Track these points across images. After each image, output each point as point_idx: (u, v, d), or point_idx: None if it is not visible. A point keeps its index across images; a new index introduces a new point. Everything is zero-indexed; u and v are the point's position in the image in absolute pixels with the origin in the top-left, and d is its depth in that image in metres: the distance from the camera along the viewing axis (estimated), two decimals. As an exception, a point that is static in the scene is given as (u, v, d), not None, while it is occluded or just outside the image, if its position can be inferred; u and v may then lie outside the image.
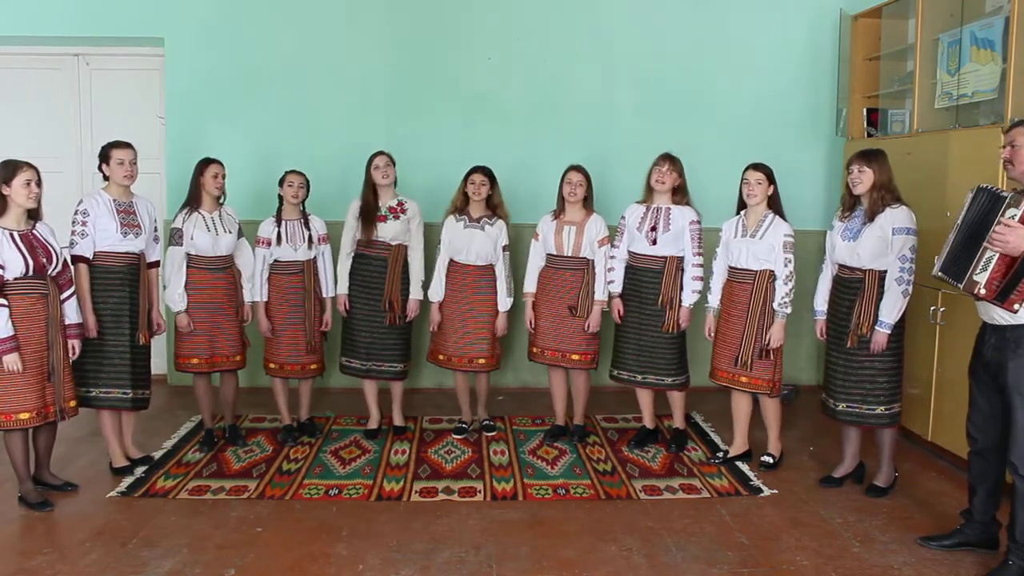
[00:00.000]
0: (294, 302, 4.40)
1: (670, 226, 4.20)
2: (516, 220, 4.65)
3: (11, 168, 3.44)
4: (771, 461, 4.15)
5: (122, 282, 3.89)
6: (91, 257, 3.83)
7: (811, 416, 5.10)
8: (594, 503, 3.76)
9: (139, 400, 3.98)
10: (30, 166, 3.48)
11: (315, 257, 4.47)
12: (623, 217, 4.37)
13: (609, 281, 4.37)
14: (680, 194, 4.26)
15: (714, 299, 4.19)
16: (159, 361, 4.97)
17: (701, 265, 4.22)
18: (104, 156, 3.91)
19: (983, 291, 2.87)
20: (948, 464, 4.22)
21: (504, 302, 4.47)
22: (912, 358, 4.06)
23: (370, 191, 4.47)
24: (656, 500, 3.78)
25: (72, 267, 3.74)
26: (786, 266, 3.94)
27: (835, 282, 3.85)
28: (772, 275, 3.98)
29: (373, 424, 4.64)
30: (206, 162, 4.22)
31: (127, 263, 3.90)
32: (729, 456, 4.24)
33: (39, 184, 3.51)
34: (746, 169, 4.04)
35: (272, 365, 4.46)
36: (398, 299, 4.47)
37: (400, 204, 4.50)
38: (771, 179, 4.01)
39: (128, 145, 3.93)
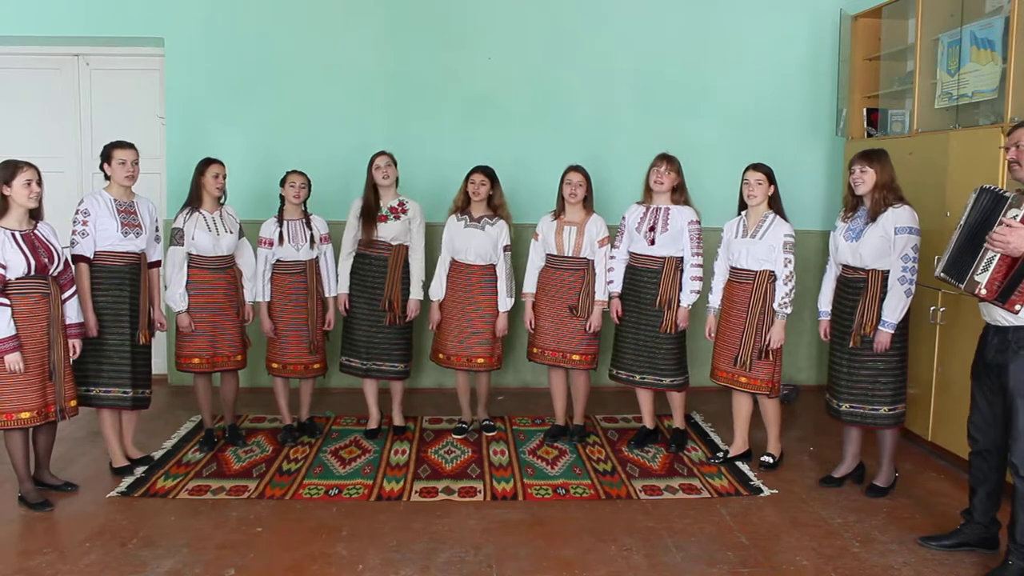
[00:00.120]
0: (297, 302, 4.40)
1: (668, 226, 4.20)
2: (516, 220, 4.64)
3: (11, 168, 3.45)
4: (771, 461, 4.15)
5: (123, 282, 3.90)
6: (92, 257, 3.83)
7: (811, 416, 5.10)
8: (594, 503, 3.76)
9: (139, 399, 3.99)
10: (30, 166, 3.48)
11: (317, 257, 4.47)
12: (624, 217, 4.37)
13: (609, 281, 4.37)
14: (679, 193, 4.26)
15: (715, 299, 4.19)
16: (159, 361, 4.97)
17: (700, 265, 4.22)
18: (106, 156, 3.91)
19: (984, 291, 2.87)
20: (948, 464, 4.22)
21: (504, 302, 4.47)
22: (912, 358, 4.06)
23: (371, 191, 4.47)
24: (656, 500, 3.78)
25: (73, 266, 3.74)
26: (786, 266, 3.94)
27: (838, 282, 3.85)
28: (772, 275, 3.98)
29: (373, 424, 4.64)
30: (207, 162, 4.22)
31: (128, 263, 3.91)
32: (729, 456, 4.24)
33: (40, 184, 3.51)
34: (746, 169, 4.04)
35: (275, 365, 4.46)
36: (398, 299, 4.48)
37: (401, 204, 4.50)
38: (771, 179, 4.01)
39: (130, 145, 3.94)
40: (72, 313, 3.66)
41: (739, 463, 4.21)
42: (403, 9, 5.47)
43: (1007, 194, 2.89)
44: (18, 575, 3.04)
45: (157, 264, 4.13)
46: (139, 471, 4.02)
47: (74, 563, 3.11)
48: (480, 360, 4.51)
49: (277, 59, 5.44)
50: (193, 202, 4.21)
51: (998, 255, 2.84)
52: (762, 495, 3.84)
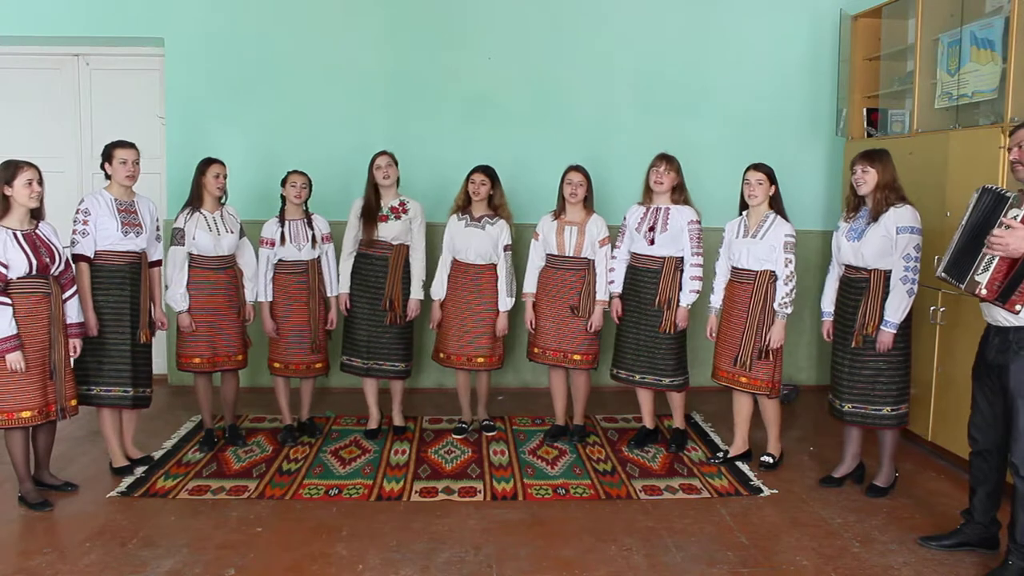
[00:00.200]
0: (299, 302, 4.41)
1: (668, 226, 4.20)
2: (516, 220, 4.64)
3: (12, 168, 3.45)
4: (771, 461, 4.15)
5: (123, 281, 3.90)
6: (92, 256, 3.83)
7: (811, 416, 5.11)
8: (594, 503, 3.76)
9: (140, 398, 3.99)
10: (31, 165, 3.49)
11: (319, 257, 4.47)
12: (625, 218, 4.37)
13: (610, 281, 4.37)
14: (679, 193, 4.26)
15: (716, 299, 4.19)
16: (159, 361, 4.97)
17: (700, 265, 4.21)
18: (107, 155, 3.92)
19: (984, 292, 2.87)
20: (948, 464, 4.22)
21: (505, 302, 4.48)
22: (913, 358, 4.06)
23: (372, 191, 4.47)
24: (656, 500, 3.78)
25: (73, 266, 3.75)
26: (787, 266, 3.94)
27: (841, 283, 3.85)
28: (773, 275, 3.97)
29: (373, 424, 4.64)
30: (207, 162, 4.23)
31: (128, 262, 3.91)
32: (729, 456, 4.24)
33: (40, 183, 3.51)
34: (747, 169, 4.04)
35: (277, 365, 4.46)
36: (399, 299, 4.48)
37: (402, 204, 4.51)
38: (772, 179, 4.00)
39: (131, 145, 3.94)
40: (73, 313, 3.66)
41: (739, 463, 4.21)
42: (403, 9, 5.47)
43: (1008, 194, 2.89)
44: (18, 575, 3.04)
45: (158, 263, 4.14)
46: (139, 471, 4.02)
47: (74, 563, 3.11)
48: (480, 360, 4.51)
49: (277, 59, 5.44)
50: (194, 202, 4.21)
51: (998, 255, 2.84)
52: (762, 495, 3.84)
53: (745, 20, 5.55)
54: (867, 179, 3.66)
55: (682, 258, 4.23)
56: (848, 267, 3.79)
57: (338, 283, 4.54)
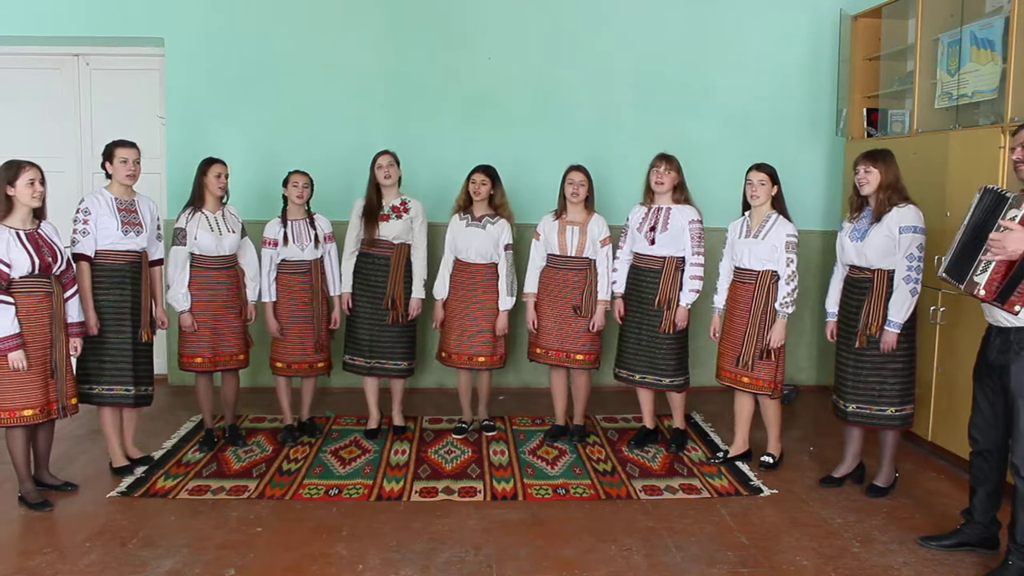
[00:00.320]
0: (302, 301, 4.41)
1: (668, 226, 4.20)
2: (516, 220, 4.64)
3: (14, 168, 3.46)
4: (771, 461, 4.15)
5: (124, 280, 3.90)
6: (93, 255, 3.84)
7: (811, 416, 5.11)
8: (594, 503, 3.76)
9: (141, 397, 4.00)
10: (33, 165, 3.50)
11: (322, 256, 4.48)
12: (628, 218, 4.37)
13: (613, 281, 4.38)
14: (680, 192, 4.26)
15: (719, 300, 4.19)
16: (159, 361, 4.97)
17: (700, 265, 4.21)
18: (108, 154, 3.92)
19: (983, 292, 2.87)
20: (948, 464, 4.22)
21: (505, 301, 4.48)
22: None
23: (374, 190, 4.48)
24: (656, 500, 3.78)
25: (74, 265, 3.75)
26: (788, 266, 3.93)
27: (845, 283, 3.84)
28: (775, 275, 3.97)
29: (373, 424, 4.64)
30: (209, 162, 4.23)
31: (129, 261, 3.91)
32: (729, 456, 4.24)
33: (43, 183, 3.52)
34: (749, 170, 4.03)
35: (279, 364, 4.47)
36: (401, 298, 4.48)
37: (403, 203, 4.51)
38: (774, 179, 4.00)
39: (132, 144, 3.95)
40: (73, 312, 3.67)
41: (739, 463, 4.21)
42: (403, 9, 5.47)
43: (1008, 194, 2.89)
44: (18, 575, 3.04)
45: (159, 262, 4.14)
46: (139, 471, 4.02)
47: (74, 563, 3.11)
48: (482, 359, 4.52)
49: (277, 59, 5.44)
50: (195, 202, 4.21)
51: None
52: (762, 495, 3.84)
53: (745, 20, 5.55)
54: (870, 179, 3.66)
55: (683, 258, 4.23)
56: (852, 267, 3.79)
57: (340, 283, 4.54)
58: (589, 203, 4.40)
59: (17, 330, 3.40)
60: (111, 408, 3.97)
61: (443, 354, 4.58)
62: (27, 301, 3.46)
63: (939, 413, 4.25)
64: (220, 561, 3.14)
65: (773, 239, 3.95)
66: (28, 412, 3.49)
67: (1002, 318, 2.96)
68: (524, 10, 5.49)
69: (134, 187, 3.99)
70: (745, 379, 4.05)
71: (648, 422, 4.51)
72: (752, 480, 4.00)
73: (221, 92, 5.43)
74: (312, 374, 4.53)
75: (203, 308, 4.18)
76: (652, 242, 4.22)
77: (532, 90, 5.52)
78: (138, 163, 3.95)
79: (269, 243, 4.38)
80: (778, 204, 4.03)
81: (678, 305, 4.22)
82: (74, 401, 3.70)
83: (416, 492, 3.84)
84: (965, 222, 3.02)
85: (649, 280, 4.26)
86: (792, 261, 3.93)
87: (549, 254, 4.43)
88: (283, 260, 4.40)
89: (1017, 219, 2.80)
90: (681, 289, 4.22)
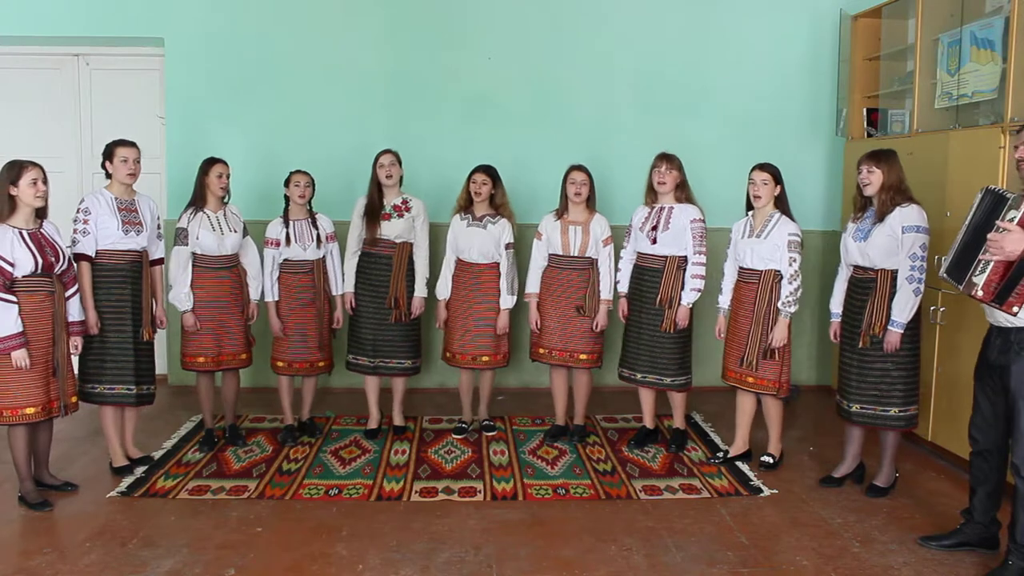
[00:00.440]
0: (304, 301, 4.42)
1: (670, 225, 4.20)
2: (517, 220, 4.64)
3: (17, 168, 3.47)
4: (771, 461, 4.15)
5: (124, 280, 3.91)
6: (93, 255, 3.84)
7: (811, 416, 5.11)
8: (594, 503, 3.76)
9: (143, 396, 4.01)
10: (35, 165, 3.51)
11: (324, 256, 4.48)
12: (632, 218, 4.38)
13: (616, 281, 4.38)
14: (682, 191, 4.26)
15: (724, 300, 4.19)
16: (159, 361, 4.97)
17: (702, 264, 4.21)
18: (108, 154, 3.93)
19: (981, 293, 2.87)
20: (948, 464, 4.22)
21: (506, 300, 4.48)
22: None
23: (375, 189, 4.48)
24: (656, 500, 3.78)
25: (75, 265, 3.76)
26: (791, 265, 3.93)
27: (850, 283, 3.83)
28: (778, 275, 3.97)
29: (373, 424, 4.64)
30: (210, 162, 4.23)
31: (129, 261, 3.92)
32: (729, 456, 4.24)
33: (45, 182, 3.53)
34: (753, 169, 4.03)
35: (280, 363, 4.47)
36: (404, 297, 4.48)
37: (405, 202, 4.51)
38: (777, 179, 4.00)
39: (132, 144, 3.96)
40: (74, 311, 3.69)
41: (739, 463, 4.21)
42: (403, 9, 5.47)
43: (1008, 195, 2.89)
44: (18, 575, 3.04)
45: (159, 262, 4.15)
46: (139, 471, 4.03)
47: (74, 563, 3.11)
48: (485, 358, 4.52)
49: (277, 59, 5.44)
50: (197, 202, 4.22)
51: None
52: (762, 495, 3.84)
53: (745, 20, 5.55)
54: (872, 179, 3.65)
55: (685, 257, 4.22)
56: (856, 268, 3.78)
57: (343, 282, 4.55)
58: (591, 203, 4.40)
59: (20, 329, 3.42)
60: (113, 407, 3.98)
61: (448, 354, 4.59)
62: (30, 300, 3.47)
63: (939, 413, 4.25)
64: (220, 561, 3.14)
65: (776, 238, 3.95)
66: (30, 410, 3.50)
67: (1003, 318, 2.96)
68: (524, 10, 5.49)
69: (134, 187, 4.00)
70: (750, 379, 4.05)
71: (648, 422, 4.51)
72: (752, 480, 4.00)
73: (221, 92, 5.43)
74: (313, 373, 4.53)
75: (205, 308, 4.18)
76: (654, 241, 4.22)
77: (532, 90, 5.52)
78: (138, 162, 3.95)
79: (271, 243, 4.38)
80: (781, 204, 4.03)
81: (679, 304, 4.22)
82: (74, 399, 3.72)
83: (416, 492, 3.84)
84: (966, 223, 3.02)
85: (651, 279, 4.26)
86: (795, 260, 3.93)
87: (551, 254, 4.43)
88: (285, 260, 4.41)
89: (1016, 220, 2.80)
90: (683, 288, 4.22)
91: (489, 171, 4.49)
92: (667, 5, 5.53)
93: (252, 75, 5.43)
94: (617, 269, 4.40)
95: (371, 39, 5.47)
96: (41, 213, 3.57)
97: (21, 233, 3.46)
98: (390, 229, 4.45)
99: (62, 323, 3.59)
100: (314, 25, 5.44)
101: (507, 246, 4.47)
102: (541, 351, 4.48)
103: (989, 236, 2.82)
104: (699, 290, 4.22)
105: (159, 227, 4.15)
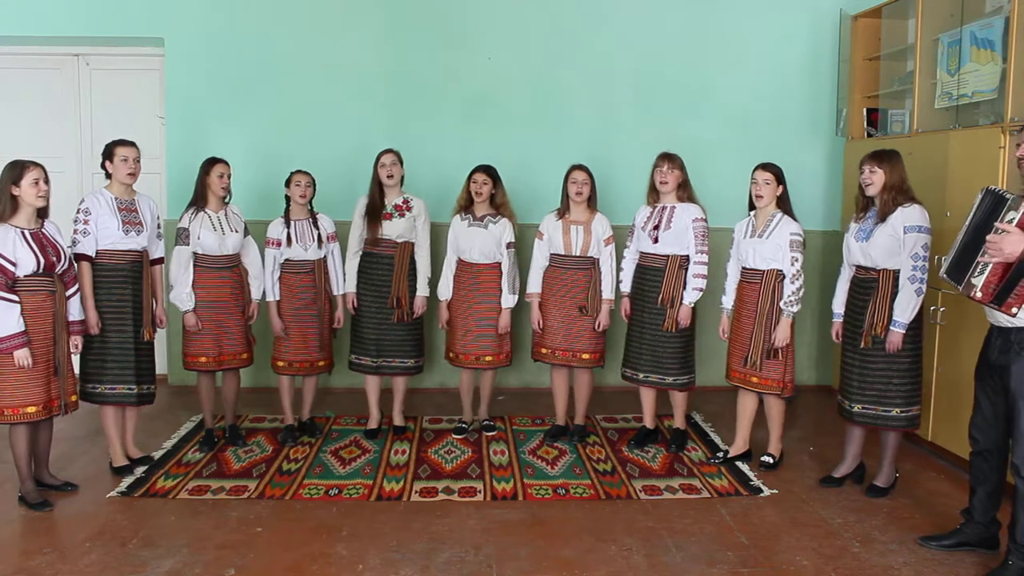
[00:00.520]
0: (305, 301, 4.42)
1: (672, 224, 4.20)
2: (517, 219, 4.64)
3: (19, 168, 3.48)
4: (771, 461, 4.15)
5: (125, 279, 3.91)
6: (94, 255, 3.85)
7: (811, 416, 5.11)
8: (594, 503, 3.76)
9: (144, 395, 4.01)
10: (37, 165, 3.52)
11: (325, 256, 4.48)
12: (635, 218, 4.38)
13: (619, 280, 4.38)
14: (684, 190, 4.26)
15: (728, 300, 4.19)
16: (159, 361, 4.97)
17: (704, 263, 4.20)
18: (108, 153, 3.93)
19: (979, 294, 2.87)
20: (948, 464, 4.22)
21: (507, 299, 4.48)
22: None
23: (376, 189, 4.48)
24: (656, 500, 3.78)
25: (75, 265, 3.76)
26: (793, 264, 3.93)
27: (852, 283, 3.83)
28: (780, 275, 3.97)
29: (373, 424, 4.64)
30: (212, 162, 4.23)
31: (130, 260, 3.92)
32: (729, 456, 4.24)
33: (47, 182, 3.54)
34: (755, 169, 4.03)
35: (281, 363, 4.47)
36: (406, 296, 4.49)
37: (406, 202, 4.51)
38: (780, 179, 4.00)
39: (132, 143, 3.97)
40: (74, 311, 3.69)
41: (739, 463, 4.21)
42: (403, 9, 5.47)
43: (1008, 196, 2.89)
44: (18, 575, 3.04)
45: (159, 261, 4.15)
46: (139, 471, 4.03)
47: (74, 563, 3.11)
48: (488, 358, 4.52)
49: (277, 59, 5.44)
50: (198, 202, 4.22)
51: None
52: (762, 495, 3.84)
53: (745, 20, 5.55)
54: (874, 179, 3.65)
55: (687, 256, 4.23)
56: (858, 268, 3.78)
57: (344, 282, 4.55)
58: (592, 202, 4.40)
59: (23, 328, 3.43)
60: (114, 407, 3.98)
61: (451, 355, 4.59)
62: (31, 300, 3.48)
63: (939, 413, 4.25)
64: (220, 561, 3.14)
65: (778, 238, 3.95)
66: (31, 409, 3.51)
67: (1003, 319, 2.96)
68: (524, 10, 5.49)
69: (134, 186, 4.00)
70: (754, 379, 4.05)
71: (648, 422, 4.51)
72: (752, 480, 4.00)
73: (221, 92, 5.43)
74: (314, 372, 4.54)
75: (207, 308, 4.19)
76: (655, 240, 4.22)
77: (532, 90, 5.52)
78: (138, 162, 3.96)
79: (272, 243, 4.38)
80: (783, 204, 4.03)
81: (681, 303, 4.22)
82: (75, 398, 3.73)
83: (416, 492, 3.84)
84: (967, 223, 3.02)
85: (653, 279, 4.26)
86: (797, 260, 3.93)
87: (553, 254, 4.43)
88: (287, 260, 4.41)
89: (1015, 221, 2.80)
90: (685, 288, 4.22)
91: (489, 171, 4.49)
92: (667, 5, 5.53)
93: (252, 75, 5.43)
94: (620, 269, 4.40)
95: (371, 39, 5.47)
96: (42, 213, 3.58)
97: (23, 233, 3.47)
98: (391, 229, 4.46)
99: (63, 323, 3.60)
100: (314, 25, 5.44)
101: (508, 245, 4.47)
102: (544, 351, 4.48)
103: (988, 238, 2.82)
104: (701, 289, 4.22)
105: (159, 227, 4.15)
